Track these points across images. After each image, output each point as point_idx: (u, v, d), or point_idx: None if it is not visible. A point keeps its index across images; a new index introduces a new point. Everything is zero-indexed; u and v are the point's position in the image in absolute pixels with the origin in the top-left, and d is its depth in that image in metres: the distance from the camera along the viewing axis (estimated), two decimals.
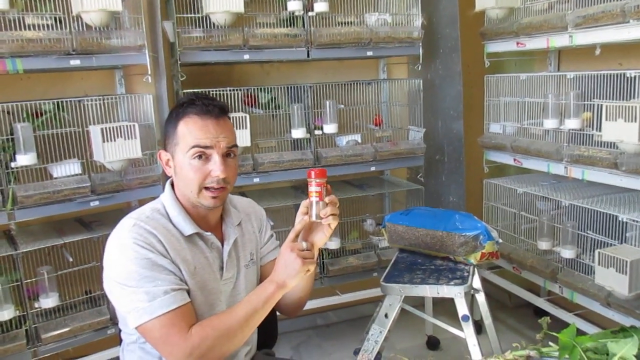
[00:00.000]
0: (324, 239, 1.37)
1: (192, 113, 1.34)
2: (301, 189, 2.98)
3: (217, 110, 1.35)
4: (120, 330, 1.46)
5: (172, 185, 1.42)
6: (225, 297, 1.43)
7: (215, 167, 1.33)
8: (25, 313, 2.19)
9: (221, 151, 1.34)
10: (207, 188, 1.34)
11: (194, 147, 1.32)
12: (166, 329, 1.24)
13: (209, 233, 1.40)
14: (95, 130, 2.19)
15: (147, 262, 1.26)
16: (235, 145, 1.38)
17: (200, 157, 1.33)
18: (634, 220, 2.12)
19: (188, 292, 1.32)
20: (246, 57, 2.50)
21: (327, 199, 1.34)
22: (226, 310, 1.34)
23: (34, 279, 2.21)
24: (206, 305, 1.38)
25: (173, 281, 1.28)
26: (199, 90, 2.46)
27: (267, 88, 2.68)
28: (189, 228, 1.36)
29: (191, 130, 1.33)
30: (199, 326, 1.27)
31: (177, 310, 1.25)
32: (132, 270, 1.25)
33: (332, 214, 1.32)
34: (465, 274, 2.08)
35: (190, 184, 1.33)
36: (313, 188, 1.33)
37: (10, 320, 2.15)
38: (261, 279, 1.60)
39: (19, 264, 2.15)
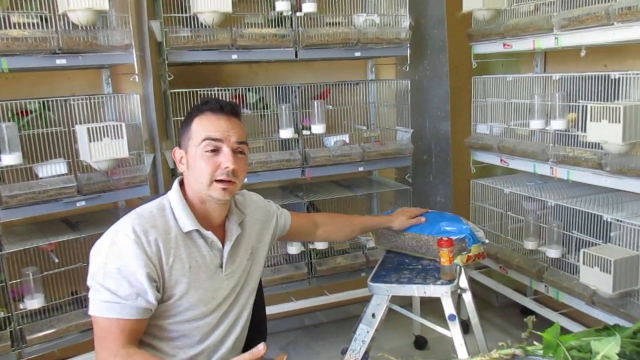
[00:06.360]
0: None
1: (206, 110, 1.42)
2: (289, 189, 2.98)
3: (229, 108, 1.43)
4: None
5: (180, 183, 1.47)
6: (225, 293, 1.47)
7: (225, 159, 1.39)
8: (10, 314, 2.17)
9: (231, 145, 1.40)
10: (217, 180, 1.39)
11: (205, 139, 1.38)
12: (104, 331, 1.29)
13: (209, 232, 1.43)
14: (81, 130, 2.17)
15: (123, 265, 1.29)
16: (245, 143, 1.45)
17: (212, 150, 1.39)
18: (618, 220, 2.15)
19: (152, 308, 1.33)
20: (234, 57, 2.50)
21: None
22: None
23: (19, 280, 2.19)
24: (199, 302, 1.41)
25: (136, 292, 1.29)
26: (187, 90, 2.46)
27: (255, 88, 2.68)
28: (189, 224, 1.40)
29: (204, 125, 1.40)
30: (131, 350, 1.29)
31: (121, 321, 1.28)
32: (107, 264, 1.30)
33: None
34: None
35: (202, 175, 1.39)
36: None
37: None
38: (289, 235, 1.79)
39: (3, 264, 2.13)
